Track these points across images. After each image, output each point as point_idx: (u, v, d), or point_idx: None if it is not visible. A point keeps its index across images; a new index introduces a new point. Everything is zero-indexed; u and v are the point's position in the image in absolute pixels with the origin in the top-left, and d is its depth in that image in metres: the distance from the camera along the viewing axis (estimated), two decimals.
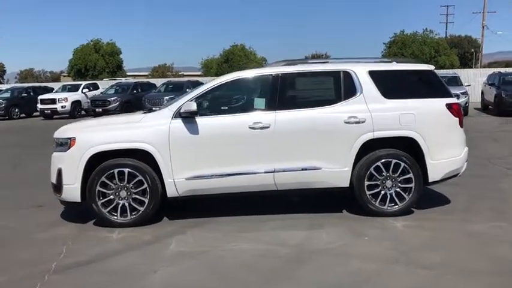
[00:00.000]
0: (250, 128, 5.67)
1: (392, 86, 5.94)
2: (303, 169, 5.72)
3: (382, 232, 5.30)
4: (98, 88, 27.21)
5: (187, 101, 5.72)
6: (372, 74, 5.91)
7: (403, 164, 5.76)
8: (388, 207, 5.82)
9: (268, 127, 5.67)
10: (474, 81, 26.34)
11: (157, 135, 5.63)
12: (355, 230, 5.40)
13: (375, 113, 5.74)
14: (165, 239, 5.25)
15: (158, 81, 30.75)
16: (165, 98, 22.51)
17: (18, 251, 5.04)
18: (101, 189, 5.63)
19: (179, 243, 5.11)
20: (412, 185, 5.79)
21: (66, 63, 49.04)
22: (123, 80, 33.67)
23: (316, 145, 5.74)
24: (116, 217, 5.66)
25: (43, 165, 6.89)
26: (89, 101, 24.58)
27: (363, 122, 5.71)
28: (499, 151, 10.49)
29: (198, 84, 26.98)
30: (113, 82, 29.87)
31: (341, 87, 5.88)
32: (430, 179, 5.87)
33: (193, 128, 5.66)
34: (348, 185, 5.81)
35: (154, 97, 23.09)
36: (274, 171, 5.70)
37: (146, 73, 65.64)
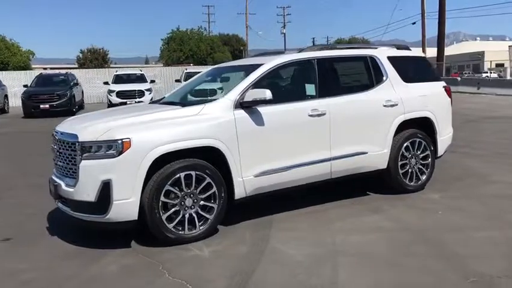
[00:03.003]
0: (309, 115, 5.36)
1: (405, 70, 6.36)
2: (353, 155, 5.70)
3: (440, 206, 5.66)
4: None
5: (246, 89, 5.05)
6: (390, 59, 6.24)
7: (423, 142, 6.28)
8: (414, 184, 6.26)
9: (324, 114, 5.45)
10: None
11: (224, 129, 4.83)
12: (415, 207, 5.65)
13: (403, 95, 6.08)
14: (265, 245, 4.56)
15: None
16: None
17: None
18: (164, 199, 4.53)
19: (291, 247, 4.49)
20: (429, 160, 6.37)
21: None
22: None
23: (363, 130, 5.78)
24: (182, 232, 4.64)
25: None
26: None
27: (396, 105, 6.00)
28: None
29: None
30: None
31: (371, 72, 6.05)
32: (438, 154, 6.55)
33: (258, 119, 5.04)
34: (385, 167, 6.02)
35: None
36: (331, 159, 5.53)
37: None
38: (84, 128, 4.63)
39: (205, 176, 4.70)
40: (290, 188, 5.38)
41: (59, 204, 4.95)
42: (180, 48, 54.33)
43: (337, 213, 5.47)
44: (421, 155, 6.29)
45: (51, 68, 45.50)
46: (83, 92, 24.24)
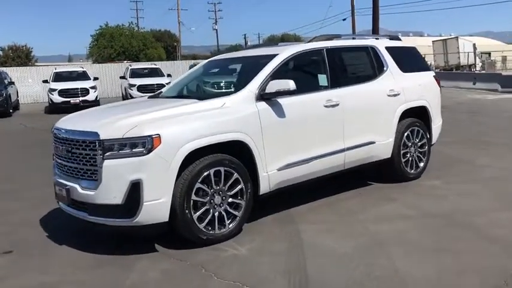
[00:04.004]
0: (324, 106, 5.28)
1: (402, 60, 6.44)
2: (363, 145, 5.69)
3: (446, 192, 5.80)
4: None
5: (266, 80, 4.86)
6: (388, 49, 6.30)
7: (421, 131, 6.41)
8: (414, 172, 6.38)
9: (338, 105, 5.39)
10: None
11: (249, 122, 4.62)
12: (424, 194, 5.76)
13: (403, 85, 6.16)
14: (301, 240, 4.42)
15: None
16: None
17: None
18: (195, 198, 4.26)
19: (328, 240, 4.37)
20: (426, 148, 6.52)
21: None
22: None
23: (371, 120, 5.80)
24: (213, 231, 4.39)
25: None
26: None
27: (398, 94, 6.07)
28: None
29: None
30: None
31: (374, 62, 6.07)
32: (432, 142, 6.72)
33: (279, 110, 4.88)
34: (390, 156, 6.07)
35: None
36: (344, 150, 5.48)
37: None
38: (106, 124, 4.23)
39: (233, 171, 4.47)
40: (308, 181, 5.28)
41: (68, 209, 4.53)
42: (111, 45, 52.33)
43: (354, 204, 5.44)
44: (419, 143, 6.42)
45: None
46: (17, 92, 22.59)
